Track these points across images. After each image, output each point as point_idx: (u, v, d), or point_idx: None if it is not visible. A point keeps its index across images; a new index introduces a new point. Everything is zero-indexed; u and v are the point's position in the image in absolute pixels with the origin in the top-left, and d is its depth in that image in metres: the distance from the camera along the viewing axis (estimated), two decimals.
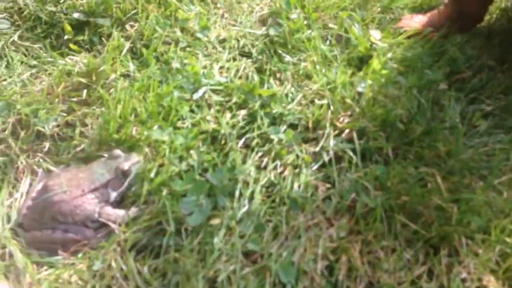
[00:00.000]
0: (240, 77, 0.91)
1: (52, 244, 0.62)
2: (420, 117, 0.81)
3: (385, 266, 0.63)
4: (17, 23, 0.97)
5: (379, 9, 1.09)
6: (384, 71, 0.90)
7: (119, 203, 0.67)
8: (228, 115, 0.82)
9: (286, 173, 0.75)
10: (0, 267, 0.60)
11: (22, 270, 0.59)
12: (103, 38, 0.94)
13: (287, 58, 0.95)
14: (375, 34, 1.00)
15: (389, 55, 0.95)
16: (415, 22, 1.07)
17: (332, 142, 0.78)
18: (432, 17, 1.07)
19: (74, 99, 0.79)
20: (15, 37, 0.93)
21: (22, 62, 0.90)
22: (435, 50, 0.97)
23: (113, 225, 0.63)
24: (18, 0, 0.99)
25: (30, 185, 0.69)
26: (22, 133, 0.73)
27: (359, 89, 0.87)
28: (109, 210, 0.65)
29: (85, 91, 0.79)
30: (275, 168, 0.75)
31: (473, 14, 1.04)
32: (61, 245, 0.62)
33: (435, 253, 0.66)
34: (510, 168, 0.74)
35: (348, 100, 0.85)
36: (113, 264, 0.61)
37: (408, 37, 1.01)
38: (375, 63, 0.91)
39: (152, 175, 0.68)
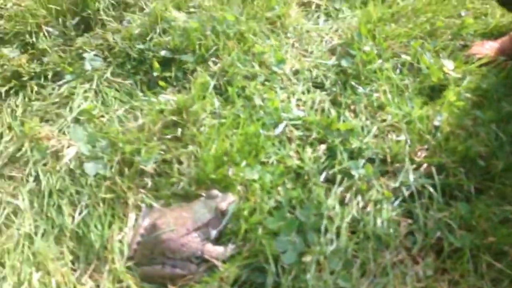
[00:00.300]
0: (316, 110, 0.95)
1: (163, 278, 0.69)
2: (500, 153, 0.82)
3: None
4: (108, 59, 1.05)
5: (449, 36, 1.10)
6: (459, 103, 0.92)
7: (217, 240, 0.73)
8: (309, 150, 0.87)
9: (368, 208, 0.78)
10: None
11: None
12: (187, 74, 1.00)
13: (360, 89, 0.99)
14: (448, 64, 1.02)
15: (465, 84, 0.97)
16: (486, 49, 1.08)
17: (411, 176, 0.81)
18: (503, 43, 1.07)
19: (169, 137, 0.86)
20: (108, 74, 1.02)
21: (115, 98, 0.98)
22: (510, 80, 0.97)
23: (215, 262, 0.69)
24: (108, 38, 1.08)
25: (136, 220, 0.76)
26: (126, 171, 0.80)
27: (436, 122, 0.90)
28: (210, 247, 0.71)
29: (179, 129, 0.85)
30: (357, 203, 0.79)
31: None
32: (169, 279, 0.69)
33: None
34: None
35: (425, 134, 0.87)
36: None
37: (481, 66, 1.02)
38: (450, 95, 0.93)
39: (246, 213, 0.74)
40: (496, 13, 1.14)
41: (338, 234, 0.74)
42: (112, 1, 1.18)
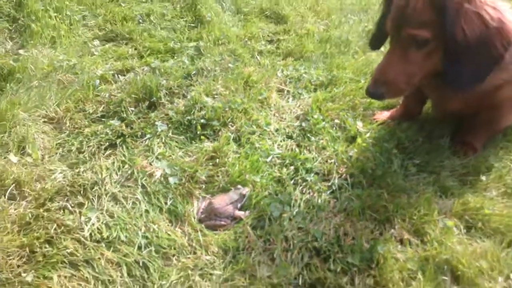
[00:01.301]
0: (288, 149, 1.75)
1: (214, 226, 1.43)
2: (380, 167, 1.63)
3: None
4: (169, 125, 1.85)
5: (362, 108, 1.94)
6: (364, 144, 1.74)
7: (240, 209, 1.49)
8: (284, 169, 1.65)
9: (315, 195, 1.56)
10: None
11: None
12: (216, 132, 1.80)
13: (312, 138, 1.80)
14: (359, 124, 1.85)
15: (368, 135, 1.79)
16: (382, 115, 1.92)
17: (337, 180, 1.60)
18: (392, 113, 1.92)
19: (211, 164, 1.65)
20: (170, 133, 1.81)
21: (176, 146, 1.76)
22: (393, 133, 1.80)
23: (242, 217, 1.45)
24: (168, 113, 1.88)
25: (197, 203, 1.52)
26: (191, 180, 1.57)
27: (350, 154, 1.70)
28: (237, 212, 1.46)
29: (216, 160, 1.64)
30: (309, 193, 1.56)
31: (415, 112, 1.88)
32: (219, 227, 1.43)
33: None
34: (424, 188, 1.54)
35: (345, 159, 1.68)
36: (248, 233, 1.41)
37: (379, 125, 1.85)
38: (359, 140, 1.75)
39: (254, 196, 1.51)
40: None
41: (299, 206, 1.51)
42: (167, 91, 2.00)
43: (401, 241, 1.40)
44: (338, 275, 1.28)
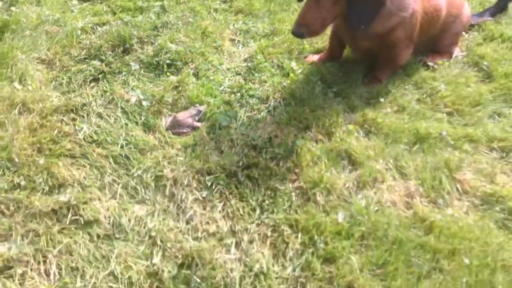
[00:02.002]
0: (236, 82, 2.23)
1: (179, 133, 1.91)
2: (306, 93, 2.13)
3: None
4: (141, 65, 2.29)
5: (296, 52, 2.44)
6: (295, 78, 2.24)
7: (198, 121, 1.97)
8: (232, 96, 2.13)
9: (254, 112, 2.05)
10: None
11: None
12: (179, 69, 2.26)
13: (256, 74, 2.28)
14: (293, 64, 2.35)
15: (299, 72, 2.29)
16: (313, 58, 2.42)
17: (273, 103, 2.09)
18: (320, 56, 2.42)
19: (175, 93, 2.11)
20: (142, 71, 2.25)
21: (148, 81, 2.21)
22: (319, 69, 2.30)
23: (199, 126, 1.93)
24: (139, 56, 2.32)
25: (166, 118, 1.98)
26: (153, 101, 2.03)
27: (284, 84, 2.20)
28: (196, 123, 1.94)
29: (180, 88, 2.10)
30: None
31: (337, 55, 2.39)
32: (181, 134, 1.91)
33: None
34: (336, 106, 2.06)
35: (280, 88, 2.17)
36: (203, 136, 1.89)
37: (309, 64, 2.35)
38: (292, 75, 2.25)
39: (208, 111, 1.99)
40: (323, 42, 2.50)
41: (243, 120, 2.00)
42: (138, 40, 2.43)
43: (316, 141, 1.91)
44: (268, 160, 1.79)
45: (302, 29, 1.96)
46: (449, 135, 1.94)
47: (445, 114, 2.08)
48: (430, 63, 2.35)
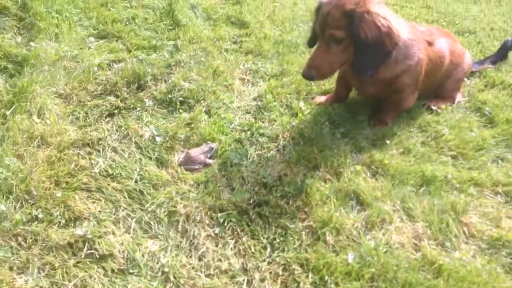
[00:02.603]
0: (246, 120, 2.29)
1: (192, 169, 1.95)
2: (314, 133, 2.20)
3: None
4: (154, 102, 2.36)
5: (304, 93, 2.52)
6: (303, 118, 2.31)
7: (210, 158, 2.02)
8: (243, 134, 2.20)
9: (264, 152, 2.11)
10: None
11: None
12: (192, 106, 2.33)
13: (265, 113, 2.35)
14: (302, 104, 2.42)
15: (307, 112, 2.36)
16: (320, 99, 2.50)
17: (282, 141, 2.16)
18: (327, 97, 2.50)
19: (187, 129, 2.17)
20: (155, 107, 2.32)
21: (161, 117, 2.28)
22: (327, 110, 2.38)
23: (211, 163, 1.98)
24: (153, 93, 2.40)
25: (178, 154, 2.04)
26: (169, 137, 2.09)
27: (293, 123, 2.27)
28: (208, 160, 1.99)
29: (192, 125, 2.17)
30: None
31: (343, 96, 2.48)
32: (194, 169, 1.95)
33: None
34: (344, 147, 2.12)
35: (289, 128, 2.24)
36: (215, 172, 1.94)
37: (317, 105, 2.43)
38: (300, 115, 2.32)
39: (220, 149, 2.05)
40: (330, 84, 2.59)
41: (253, 158, 2.05)
42: (152, 77, 2.52)
43: (324, 180, 1.96)
44: (278, 198, 1.83)
45: (313, 72, 2.05)
46: (454, 178, 1.99)
47: (449, 157, 2.14)
48: (434, 107, 2.43)
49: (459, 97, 2.56)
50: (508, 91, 2.67)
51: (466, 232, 1.77)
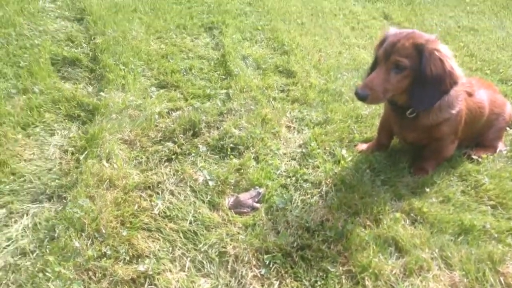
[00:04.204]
0: (291, 166, 2.47)
1: (240, 213, 2.13)
2: (355, 180, 2.33)
3: None
4: (207, 148, 2.59)
5: (347, 141, 2.67)
6: (345, 165, 2.45)
7: (258, 202, 2.19)
8: (288, 179, 2.36)
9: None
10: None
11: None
12: (241, 153, 2.54)
13: (309, 160, 2.52)
14: (344, 151, 2.57)
15: (349, 159, 2.51)
16: (362, 146, 2.64)
17: (325, 187, 2.30)
18: (369, 145, 2.64)
19: (241, 173, 2.37)
20: (208, 153, 2.55)
21: (214, 163, 2.50)
22: (368, 157, 2.51)
23: (258, 207, 2.15)
24: (207, 139, 2.63)
25: (228, 198, 2.23)
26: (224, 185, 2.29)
27: (336, 171, 2.41)
28: (256, 204, 2.17)
29: (247, 173, 2.37)
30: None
31: (385, 144, 2.60)
32: (242, 213, 2.13)
33: None
34: (384, 194, 2.23)
35: (331, 174, 2.38)
36: (262, 216, 2.11)
37: (358, 153, 2.57)
38: (342, 162, 2.47)
39: (267, 194, 2.22)
40: (372, 132, 2.73)
41: (297, 203, 2.20)
42: (206, 124, 2.76)
43: (364, 226, 2.08)
44: (320, 242, 1.96)
45: (367, 91, 2.08)
46: (493, 228, 2.05)
47: (489, 207, 2.20)
48: (475, 156, 2.50)
49: (501, 146, 2.62)
50: None
51: (503, 281, 1.82)
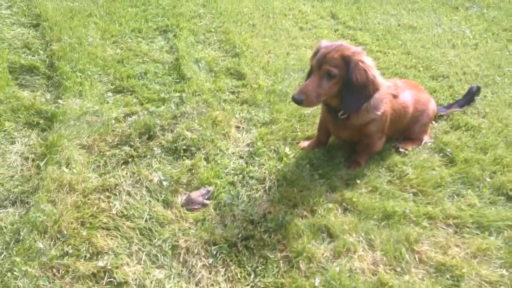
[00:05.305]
0: (239, 165, 2.71)
1: (192, 210, 2.37)
2: (295, 175, 2.60)
3: None
4: (162, 150, 2.81)
5: (290, 139, 2.94)
6: (287, 161, 2.72)
7: (207, 199, 2.43)
8: (236, 177, 2.61)
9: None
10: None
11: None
12: (193, 153, 2.77)
13: (256, 158, 2.77)
14: (287, 149, 2.84)
15: (291, 156, 2.77)
16: (304, 144, 2.92)
17: (268, 183, 2.57)
18: (310, 142, 2.91)
19: (189, 170, 2.60)
20: (162, 155, 2.76)
21: (166, 162, 2.71)
22: (308, 154, 2.79)
23: (208, 203, 2.39)
24: (161, 142, 2.84)
25: (181, 196, 2.46)
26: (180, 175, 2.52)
27: (279, 167, 2.68)
28: (206, 201, 2.41)
29: (193, 170, 2.60)
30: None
31: (324, 142, 2.89)
32: (194, 209, 2.37)
33: None
34: (320, 187, 2.51)
35: (274, 171, 2.65)
36: (211, 212, 2.34)
37: (300, 149, 2.84)
38: (285, 159, 2.73)
39: (216, 192, 2.46)
40: (313, 130, 3.01)
41: (243, 198, 2.46)
42: (160, 128, 2.96)
43: (301, 217, 2.35)
44: (262, 233, 2.22)
45: (302, 97, 2.36)
46: (411, 212, 2.37)
47: (411, 194, 2.52)
48: (402, 149, 2.83)
49: (426, 139, 2.95)
50: (471, 132, 3.05)
51: (417, 259, 2.14)
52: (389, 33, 4.70)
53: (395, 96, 2.70)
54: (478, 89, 3.40)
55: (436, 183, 2.59)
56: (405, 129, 2.90)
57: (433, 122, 3.12)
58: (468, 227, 2.31)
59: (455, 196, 2.53)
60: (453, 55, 4.21)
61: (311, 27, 4.82)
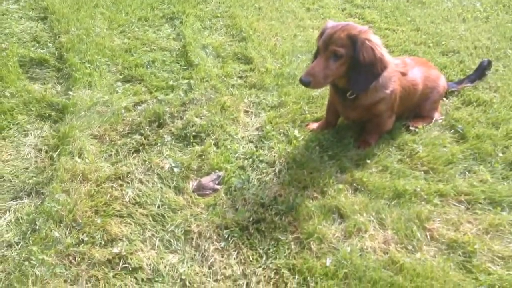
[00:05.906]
0: (249, 149, 2.72)
1: (203, 195, 2.39)
2: (305, 157, 2.60)
3: None
4: (172, 137, 2.83)
5: (299, 121, 2.93)
6: (297, 144, 2.72)
7: (218, 184, 2.45)
8: (246, 161, 2.63)
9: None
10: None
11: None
12: (203, 139, 2.79)
13: (265, 142, 2.78)
14: (296, 131, 2.84)
15: (301, 138, 2.78)
16: (313, 125, 2.91)
17: (278, 166, 2.57)
18: (319, 124, 2.91)
19: (200, 160, 2.62)
20: (173, 142, 2.79)
21: (177, 149, 2.74)
22: (317, 136, 2.78)
23: (219, 188, 2.42)
24: (171, 129, 2.87)
25: (192, 182, 2.48)
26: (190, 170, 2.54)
27: (288, 150, 2.68)
28: (216, 186, 2.43)
29: (203, 156, 2.62)
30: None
31: (333, 123, 2.88)
32: (205, 195, 2.39)
33: None
34: (330, 168, 2.52)
35: (284, 154, 2.66)
36: (222, 196, 2.37)
37: (309, 132, 2.84)
38: (294, 142, 2.74)
39: (226, 177, 2.48)
40: (322, 112, 3.00)
41: (254, 181, 2.47)
42: (169, 115, 2.98)
43: (312, 198, 2.36)
44: (273, 215, 2.24)
45: (309, 78, 2.35)
46: (422, 190, 2.36)
47: (422, 172, 2.51)
48: (412, 128, 2.80)
49: (436, 116, 2.92)
50: (482, 107, 3.01)
51: (429, 236, 2.14)
52: (398, 10, 4.61)
53: (403, 74, 2.67)
54: (489, 63, 3.33)
55: (447, 160, 2.57)
56: (415, 107, 2.87)
57: (444, 98, 3.08)
58: (480, 203, 2.30)
59: (467, 173, 2.51)
60: (464, 29, 4.12)
61: (318, 7, 4.76)
